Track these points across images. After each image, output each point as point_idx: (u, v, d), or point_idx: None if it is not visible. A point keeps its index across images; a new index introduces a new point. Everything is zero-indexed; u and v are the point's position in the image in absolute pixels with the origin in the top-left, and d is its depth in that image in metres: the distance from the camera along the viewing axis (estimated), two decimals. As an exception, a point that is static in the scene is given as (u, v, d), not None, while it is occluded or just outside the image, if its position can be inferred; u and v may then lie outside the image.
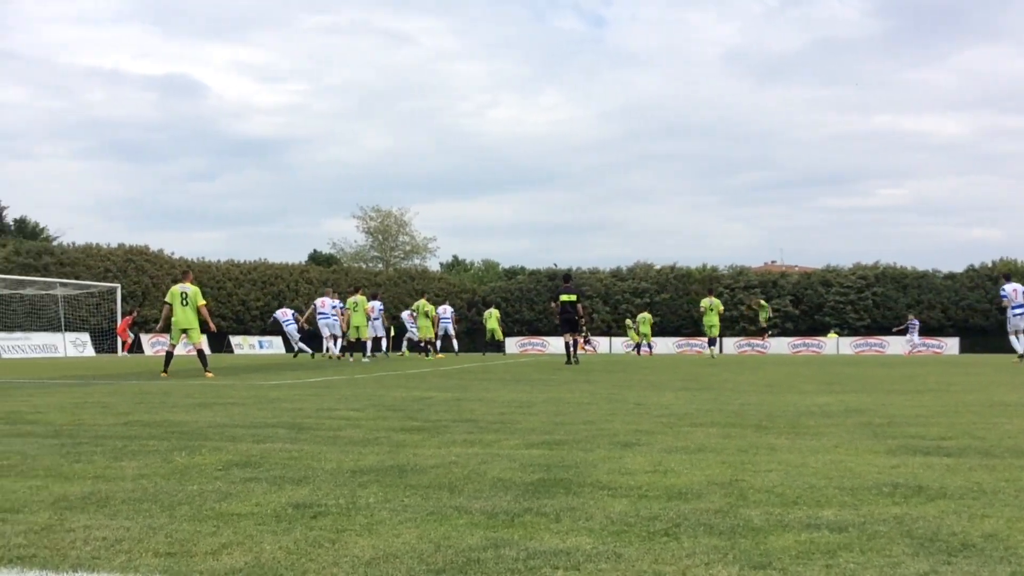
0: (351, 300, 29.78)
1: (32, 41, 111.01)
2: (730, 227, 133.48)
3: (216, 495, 4.56)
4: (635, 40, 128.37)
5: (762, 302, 43.67)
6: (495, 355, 38.81)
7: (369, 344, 30.93)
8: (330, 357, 30.87)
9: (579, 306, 24.92)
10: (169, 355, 18.56)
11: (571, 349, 24.77)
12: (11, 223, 62.07)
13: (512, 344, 50.09)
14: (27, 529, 3.83)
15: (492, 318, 38.48)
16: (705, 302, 33.54)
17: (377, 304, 32.56)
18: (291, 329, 36.16)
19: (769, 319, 43.92)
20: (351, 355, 29.86)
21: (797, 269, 60.00)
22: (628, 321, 46.33)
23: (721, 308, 34.20)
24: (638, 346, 42.21)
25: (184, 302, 18.05)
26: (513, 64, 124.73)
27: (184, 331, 18.10)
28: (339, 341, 31.33)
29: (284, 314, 36.84)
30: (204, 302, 18.43)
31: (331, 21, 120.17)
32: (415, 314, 33.74)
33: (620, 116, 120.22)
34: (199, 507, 4.27)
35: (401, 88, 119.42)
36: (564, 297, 24.78)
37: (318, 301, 32.38)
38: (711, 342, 33.17)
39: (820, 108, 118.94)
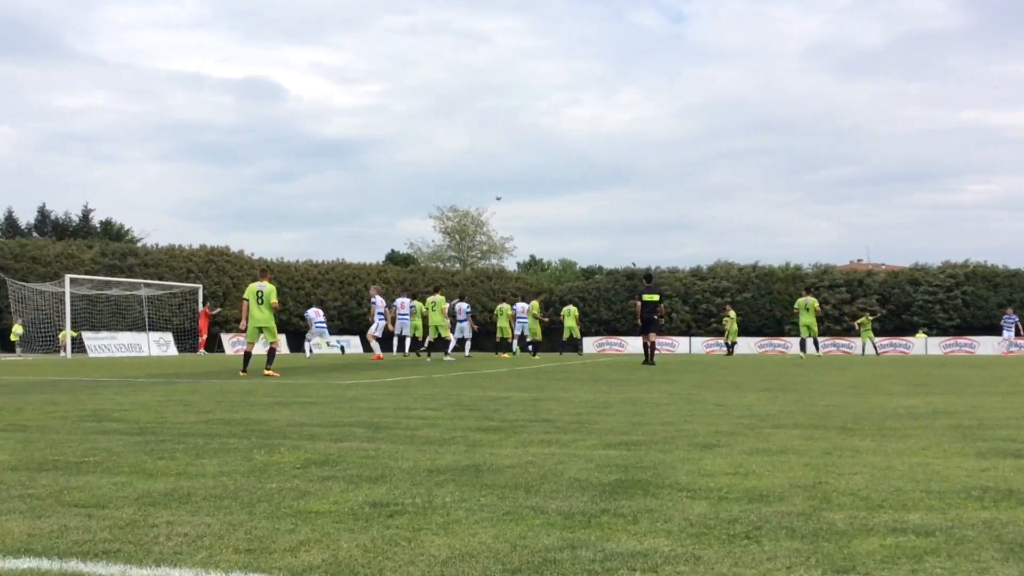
0: (430, 300, 30.02)
1: (117, 47, 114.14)
2: (814, 224, 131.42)
3: (294, 493, 4.60)
4: (716, 35, 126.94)
5: (732, 313, 42.36)
6: (572, 355, 38.74)
7: (452, 343, 31.27)
8: (404, 356, 31.21)
9: (661, 306, 24.72)
10: (247, 355, 18.83)
11: (650, 350, 24.58)
12: (97, 225, 63.80)
13: (590, 344, 49.93)
14: (112, 524, 3.90)
15: (570, 316, 38.27)
16: (800, 301, 32.94)
17: (464, 306, 32.88)
18: (318, 330, 36.22)
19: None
20: (428, 354, 30.07)
21: (884, 268, 58.77)
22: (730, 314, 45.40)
23: (817, 307, 33.45)
24: (732, 345, 41.77)
25: (259, 300, 18.29)
26: (591, 62, 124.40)
27: (260, 329, 18.34)
28: (407, 341, 31.64)
29: (317, 314, 36.77)
30: (276, 301, 18.54)
31: (409, 22, 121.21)
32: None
33: (700, 113, 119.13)
34: (278, 505, 4.31)
35: (479, 88, 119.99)
36: (646, 297, 24.60)
37: (398, 301, 32.68)
38: (803, 343, 32.58)
39: (906, 103, 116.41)
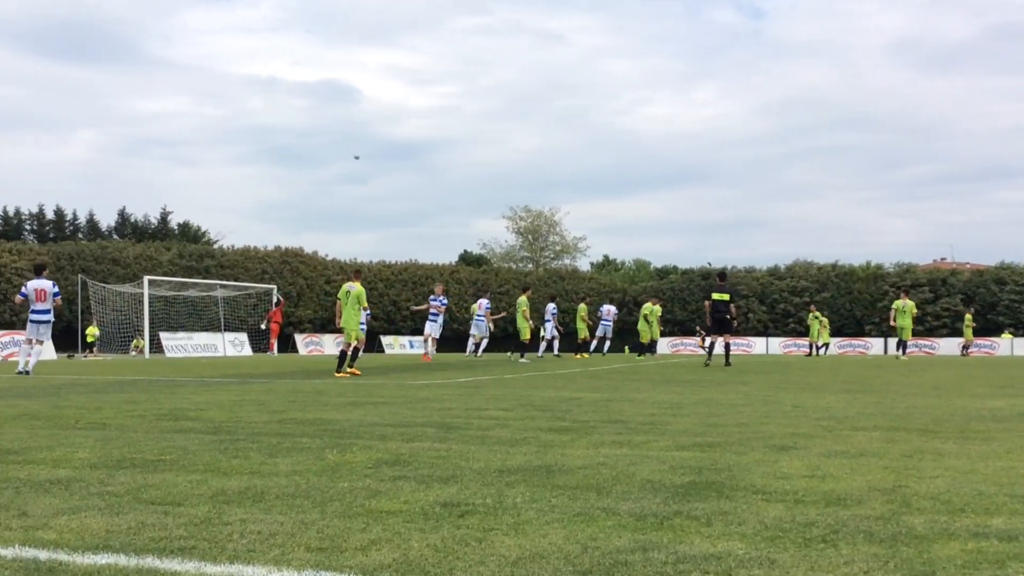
0: (520, 300, 30.26)
1: (195, 52, 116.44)
2: (895, 223, 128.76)
3: (366, 492, 4.62)
4: (795, 31, 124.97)
5: (817, 313, 41.27)
6: (646, 355, 38.47)
7: (543, 345, 31.57)
8: (476, 357, 31.36)
9: (732, 306, 24.37)
10: (343, 354, 18.88)
11: (726, 350, 24.24)
12: (175, 227, 65.21)
13: (664, 344, 49.56)
14: (187, 522, 3.95)
15: (648, 316, 37.59)
16: (898, 303, 32.49)
17: (551, 306, 33.13)
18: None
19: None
20: (520, 354, 30.11)
21: (968, 266, 57.32)
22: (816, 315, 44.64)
23: (914, 310, 32.95)
24: (824, 345, 41.20)
25: (347, 300, 18.45)
26: (667, 60, 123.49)
27: (348, 330, 18.45)
28: (484, 342, 31.83)
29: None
30: (365, 304, 18.66)
31: (483, 22, 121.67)
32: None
33: (778, 110, 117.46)
34: (349, 504, 4.33)
35: (553, 87, 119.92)
36: (716, 296, 24.25)
37: (481, 302, 32.87)
38: (900, 344, 32.12)
39: (992, 98, 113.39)
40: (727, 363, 23.87)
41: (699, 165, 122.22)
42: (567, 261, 70.91)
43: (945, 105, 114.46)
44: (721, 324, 24.26)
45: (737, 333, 38.80)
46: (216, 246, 57.53)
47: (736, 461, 5.70)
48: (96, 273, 43.46)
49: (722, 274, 26.31)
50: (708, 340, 25.69)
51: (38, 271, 20.09)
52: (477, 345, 33.01)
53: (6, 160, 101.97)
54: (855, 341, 47.01)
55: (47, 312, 19.50)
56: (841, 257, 57.91)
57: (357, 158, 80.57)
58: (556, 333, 33.46)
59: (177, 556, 3.40)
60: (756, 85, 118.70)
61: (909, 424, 8.04)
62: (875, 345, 46.81)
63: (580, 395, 11.85)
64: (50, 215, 60.81)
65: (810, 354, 39.48)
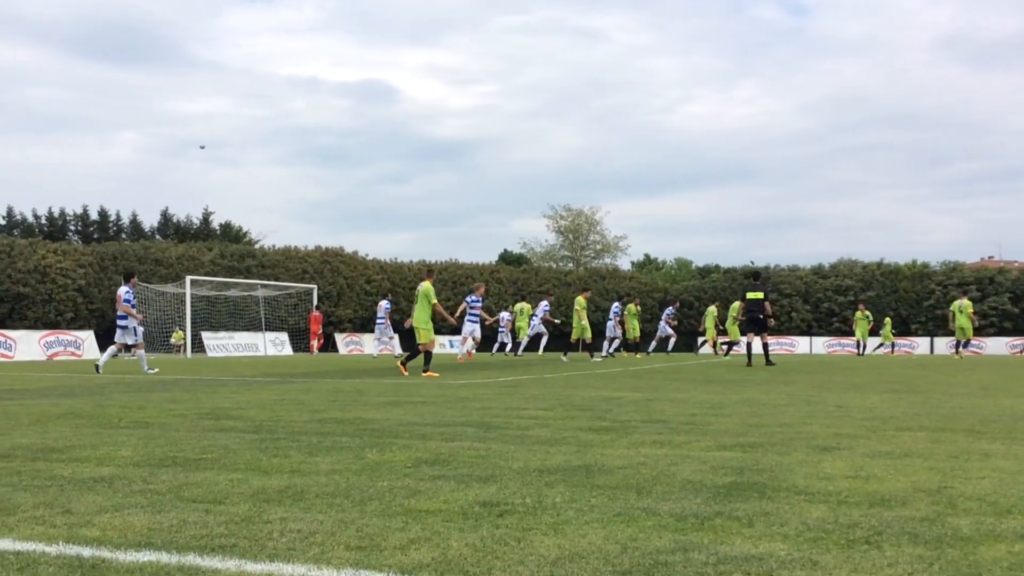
0: (577, 300, 30.33)
1: (237, 53, 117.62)
2: (942, 221, 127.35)
3: (405, 492, 4.62)
4: (839, 27, 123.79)
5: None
6: (685, 355, 38.25)
7: (608, 344, 31.78)
8: (515, 356, 31.41)
9: (766, 304, 24.20)
10: (428, 353, 18.59)
11: (764, 349, 24.09)
12: (217, 227, 65.75)
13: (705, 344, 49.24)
14: (228, 520, 3.97)
15: (709, 316, 37.06)
16: (955, 304, 32.38)
17: (615, 306, 33.30)
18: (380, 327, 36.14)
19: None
20: (592, 355, 30.02)
21: (1016, 265, 56.43)
22: (887, 320, 44.11)
23: (971, 311, 32.78)
24: (893, 345, 40.82)
25: (416, 299, 18.35)
26: (708, 57, 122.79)
27: (417, 328, 18.26)
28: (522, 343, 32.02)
29: (380, 308, 36.36)
30: (435, 300, 18.35)
31: (523, 21, 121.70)
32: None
33: (822, 107, 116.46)
34: (389, 503, 4.33)
35: (593, 86, 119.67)
36: (751, 295, 24.16)
37: (542, 303, 32.92)
38: (960, 344, 32.05)
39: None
40: (768, 362, 23.72)
41: (741, 163, 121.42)
42: (607, 260, 70.71)
43: (992, 101, 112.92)
44: (755, 323, 24.15)
45: (776, 332, 38.43)
46: (257, 246, 57.92)
47: (778, 462, 5.64)
48: (139, 273, 43.94)
49: (756, 274, 26.25)
50: (744, 340, 25.57)
51: (124, 279, 20.71)
52: (517, 344, 33.04)
53: (52, 161, 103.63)
54: (901, 340, 46.43)
55: (121, 318, 20.32)
56: (886, 255, 56.93)
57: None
58: (617, 333, 33.44)
59: (218, 554, 3.41)
60: (799, 82, 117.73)
61: (955, 424, 7.92)
62: (921, 344, 46.23)
63: (621, 395, 11.79)
64: (94, 216, 61.56)
65: (859, 353, 38.86)
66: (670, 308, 37.00)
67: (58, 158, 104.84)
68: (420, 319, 18.30)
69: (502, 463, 5.57)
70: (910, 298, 48.28)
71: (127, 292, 20.22)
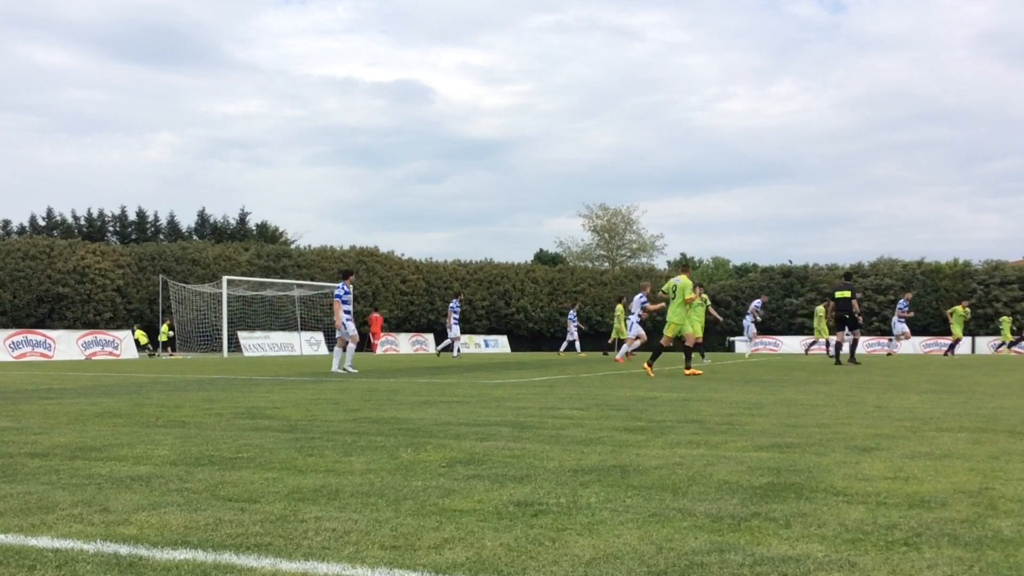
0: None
1: (273, 54, 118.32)
2: (983, 218, 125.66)
3: (439, 491, 4.62)
4: (878, 24, 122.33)
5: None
6: (727, 355, 38.02)
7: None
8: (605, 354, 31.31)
9: (854, 302, 24.18)
10: (688, 351, 18.28)
11: (852, 347, 24.24)
12: (253, 228, 66.20)
13: (740, 344, 48.94)
14: (264, 518, 3.99)
15: (818, 317, 36.03)
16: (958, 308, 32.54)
17: (640, 299, 33.09)
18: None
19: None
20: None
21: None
22: (1005, 319, 43.46)
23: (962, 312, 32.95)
24: (1013, 344, 40.27)
25: (673, 295, 17.96)
26: (744, 54, 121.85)
27: (673, 325, 17.87)
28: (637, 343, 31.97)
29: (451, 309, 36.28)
30: (691, 296, 17.89)
31: (557, 20, 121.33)
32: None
33: (861, 104, 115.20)
34: (423, 503, 4.33)
35: (628, 84, 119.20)
36: (839, 294, 24.38)
37: (637, 298, 32.60)
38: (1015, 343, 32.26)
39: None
40: (852, 360, 23.85)
41: (779, 161, 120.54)
42: (644, 259, 70.41)
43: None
44: (844, 322, 24.26)
45: (863, 330, 37.97)
46: (293, 246, 58.28)
47: (816, 462, 5.58)
48: (176, 273, 44.39)
49: (847, 274, 26.23)
50: (834, 339, 25.52)
51: (344, 276, 20.22)
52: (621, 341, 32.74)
53: (90, 163, 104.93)
54: (941, 340, 45.89)
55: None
56: (927, 254, 56.34)
57: None
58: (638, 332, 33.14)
59: (253, 552, 3.42)
60: (837, 79, 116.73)
61: (996, 425, 7.81)
62: (963, 344, 45.66)
63: (656, 394, 11.74)
64: (132, 216, 62.20)
65: (950, 353, 37.09)
66: (757, 301, 34.56)
67: (96, 159, 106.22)
68: (676, 314, 17.80)
69: (537, 463, 5.56)
70: (951, 297, 47.67)
71: (340, 289, 19.74)
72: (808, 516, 4.00)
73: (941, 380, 15.75)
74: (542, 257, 76.13)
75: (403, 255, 53.39)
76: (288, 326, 43.37)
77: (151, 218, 63.10)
